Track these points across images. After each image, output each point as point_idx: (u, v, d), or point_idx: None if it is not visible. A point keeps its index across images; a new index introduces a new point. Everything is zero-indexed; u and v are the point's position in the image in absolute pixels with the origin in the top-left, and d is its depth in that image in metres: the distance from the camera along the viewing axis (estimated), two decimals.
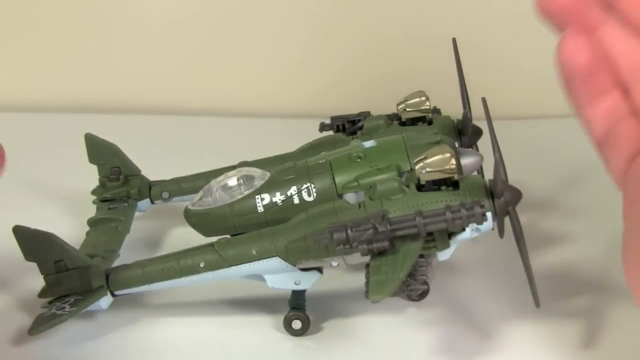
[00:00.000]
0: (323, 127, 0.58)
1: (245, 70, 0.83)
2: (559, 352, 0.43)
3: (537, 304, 0.41)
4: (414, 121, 0.53)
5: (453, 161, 0.42)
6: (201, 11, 0.81)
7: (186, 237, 0.47)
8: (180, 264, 0.44)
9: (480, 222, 0.40)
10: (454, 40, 0.54)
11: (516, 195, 0.42)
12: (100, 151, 0.54)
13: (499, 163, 0.42)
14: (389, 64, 0.75)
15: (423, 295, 0.48)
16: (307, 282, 0.44)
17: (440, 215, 0.40)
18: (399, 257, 0.40)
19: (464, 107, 0.54)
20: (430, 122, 0.53)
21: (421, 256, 0.42)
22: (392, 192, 0.43)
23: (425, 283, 0.41)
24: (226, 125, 0.76)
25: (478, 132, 0.53)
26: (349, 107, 0.58)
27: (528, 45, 0.55)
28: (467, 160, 0.47)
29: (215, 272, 0.43)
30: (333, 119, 0.57)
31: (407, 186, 0.43)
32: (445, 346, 0.44)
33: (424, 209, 0.41)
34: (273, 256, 0.43)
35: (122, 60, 0.83)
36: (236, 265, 0.43)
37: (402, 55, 0.70)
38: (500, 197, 0.42)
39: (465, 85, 0.54)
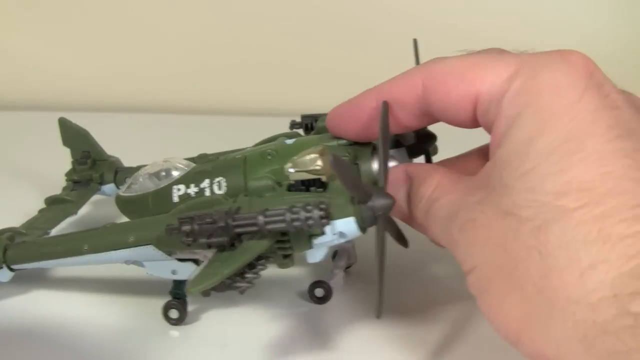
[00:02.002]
0: (293, 125, 0.57)
1: (243, 70, 0.85)
2: None
3: (378, 315, 0.39)
4: None
5: (319, 162, 0.41)
6: (200, 11, 0.84)
7: None
8: (68, 245, 0.46)
9: (319, 226, 0.38)
10: (414, 41, 0.51)
11: (385, 202, 0.40)
12: (72, 135, 0.58)
13: (380, 169, 0.40)
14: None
15: (324, 299, 0.47)
16: (184, 272, 0.44)
17: (280, 216, 0.38)
18: (236, 254, 0.39)
19: None
20: None
21: (267, 257, 0.41)
22: (264, 190, 0.43)
23: (251, 282, 0.39)
24: (226, 123, 0.77)
25: (428, 138, 0.51)
26: None
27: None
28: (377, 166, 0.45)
29: (98, 255, 0.45)
30: (303, 117, 0.57)
31: (280, 185, 0.43)
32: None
33: (278, 207, 0.40)
34: (148, 244, 0.44)
35: (122, 59, 0.88)
36: (115, 250, 0.45)
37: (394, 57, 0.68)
38: (366, 203, 0.40)
39: None
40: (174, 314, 0.45)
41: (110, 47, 0.91)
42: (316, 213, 0.37)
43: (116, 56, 0.91)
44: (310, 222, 0.37)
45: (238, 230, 0.39)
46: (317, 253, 0.42)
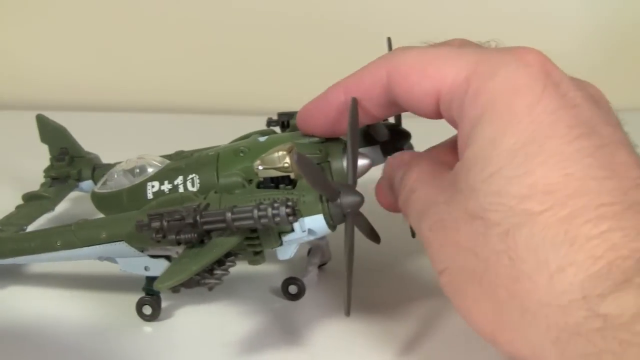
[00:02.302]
0: (270, 123, 0.58)
1: (221, 69, 0.85)
2: None
3: (347, 312, 0.39)
4: None
5: (287, 159, 0.41)
6: (201, 10, 0.85)
7: None
8: (41, 241, 0.46)
9: (286, 223, 0.38)
10: (388, 39, 0.51)
11: (354, 199, 0.40)
12: (49, 132, 0.58)
13: (349, 166, 0.41)
14: None
15: (298, 296, 0.48)
16: (157, 269, 0.44)
17: (247, 213, 0.39)
18: (205, 250, 0.39)
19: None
20: None
21: (236, 254, 0.41)
22: (234, 187, 0.43)
23: (220, 279, 0.40)
24: (205, 121, 0.78)
25: (402, 136, 0.51)
26: None
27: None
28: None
29: (70, 251, 0.45)
30: (280, 114, 0.57)
31: (250, 182, 0.43)
32: None
33: (246, 204, 0.40)
34: (120, 240, 0.44)
35: (98, 58, 0.89)
36: (88, 246, 0.45)
37: None
38: (335, 200, 0.40)
39: None
40: (147, 310, 0.45)
41: (87, 46, 0.91)
42: (283, 210, 0.38)
43: (93, 54, 0.92)
44: (277, 219, 0.38)
45: (206, 227, 0.39)
46: (287, 250, 0.42)
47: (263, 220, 0.38)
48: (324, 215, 0.40)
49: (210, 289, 0.39)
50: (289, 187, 0.41)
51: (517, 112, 0.32)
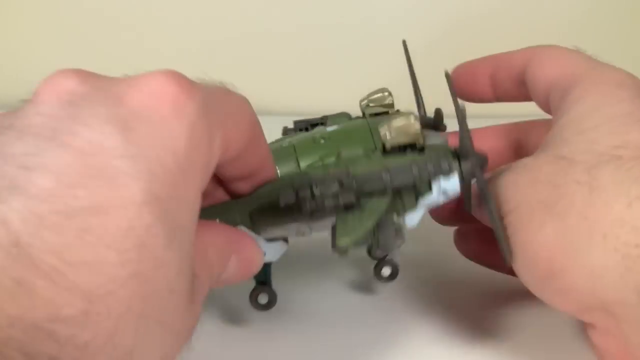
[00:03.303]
0: (286, 131, 0.57)
1: (251, 69, 0.83)
2: None
3: (508, 260, 0.40)
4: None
5: (417, 125, 0.42)
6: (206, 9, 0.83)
7: None
8: None
9: (447, 174, 0.40)
10: (404, 42, 0.54)
11: (483, 158, 0.42)
12: None
13: (465, 129, 0.42)
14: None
15: (392, 276, 0.47)
16: (273, 253, 0.42)
17: (407, 170, 0.39)
18: (365, 212, 0.39)
19: (418, 108, 0.54)
20: None
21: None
22: (356, 158, 0.43)
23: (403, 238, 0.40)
24: None
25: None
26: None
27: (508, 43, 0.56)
28: (431, 142, 0.47)
29: None
30: (296, 122, 0.57)
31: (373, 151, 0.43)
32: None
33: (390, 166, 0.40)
34: (237, 224, 0.41)
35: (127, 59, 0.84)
36: None
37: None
38: (467, 160, 0.42)
39: (418, 87, 0.54)
40: (263, 299, 0.43)
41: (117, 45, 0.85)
42: (445, 163, 0.39)
43: (131, 53, 0.84)
44: (438, 171, 0.39)
45: (365, 187, 0.39)
46: (415, 216, 0.43)
47: (423, 175, 0.39)
48: (459, 175, 0.41)
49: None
50: (416, 152, 0.42)
51: (619, 95, 0.36)
